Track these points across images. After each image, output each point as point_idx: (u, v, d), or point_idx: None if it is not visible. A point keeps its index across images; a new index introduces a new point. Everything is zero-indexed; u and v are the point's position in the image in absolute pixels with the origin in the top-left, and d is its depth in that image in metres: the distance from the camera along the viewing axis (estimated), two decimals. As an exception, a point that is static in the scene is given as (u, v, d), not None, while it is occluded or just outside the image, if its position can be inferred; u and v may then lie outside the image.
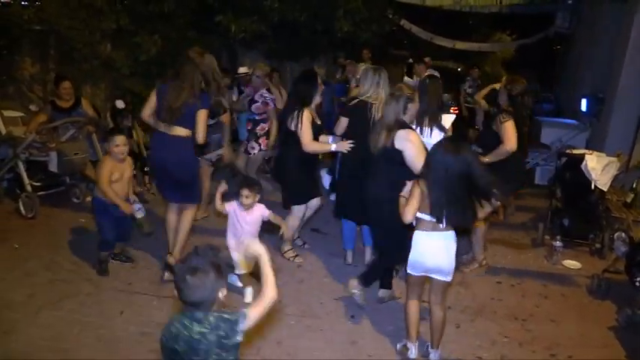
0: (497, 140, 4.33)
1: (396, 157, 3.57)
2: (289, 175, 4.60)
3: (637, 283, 3.59)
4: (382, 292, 4.10)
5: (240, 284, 4.03)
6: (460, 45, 12.13)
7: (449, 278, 3.18)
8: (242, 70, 8.47)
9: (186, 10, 8.45)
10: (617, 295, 4.34)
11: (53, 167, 5.35)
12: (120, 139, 4.14)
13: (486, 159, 4.23)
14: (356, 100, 4.30)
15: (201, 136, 3.98)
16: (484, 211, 3.09)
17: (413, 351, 3.35)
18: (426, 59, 9.61)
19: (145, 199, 5.92)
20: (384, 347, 3.52)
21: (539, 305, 4.21)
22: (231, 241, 4.06)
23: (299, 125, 4.30)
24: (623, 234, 5.03)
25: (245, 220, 3.99)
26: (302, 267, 4.55)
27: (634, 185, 5.30)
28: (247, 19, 8.06)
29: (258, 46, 9.47)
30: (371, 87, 4.19)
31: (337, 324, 3.74)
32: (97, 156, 5.72)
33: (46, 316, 3.59)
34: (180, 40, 8.27)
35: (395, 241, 3.59)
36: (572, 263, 5.00)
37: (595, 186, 5.00)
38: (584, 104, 7.98)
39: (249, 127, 5.82)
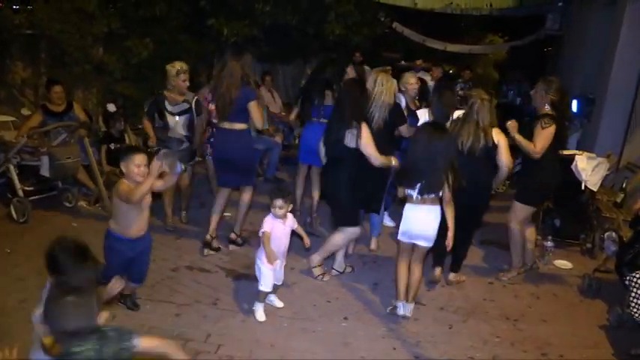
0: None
1: (493, 151, 4.09)
2: (344, 194, 4.24)
3: (627, 282, 3.62)
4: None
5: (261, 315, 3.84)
6: (452, 47, 12.17)
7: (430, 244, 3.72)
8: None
9: (178, 13, 8.45)
10: (607, 295, 4.38)
11: (45, 172, 5.33)
12: (140, 159, 3.35)
13: (516, 136, 4.20)
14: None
15: (259, 124, 4.68)
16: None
17: (402, 308, 3.83)
18: (418, 62, 9.68)
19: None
20: (378, 348, 3.53)
21: (531, 305, 4.24)
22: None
23: (359, 140, 4.04)
24: (614, 233, 5.08)
25: (283, 231, 3.79)
26: (294, 269, 4.55)
27: (624, 185, 5.34)
28: (239, 22, 8.07)
29: (250, 49, 9.47)
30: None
31: (330, 325, 3.76)
32: (88, 160, 5.70)
33: (39, 321, 3.57)
34: (172, 44, 8.28)
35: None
36: (563, 263, 5.04)
37: (585, 186, 5.04)
38: (574, 105, 8.03)
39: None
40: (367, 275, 4.58)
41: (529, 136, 4.26)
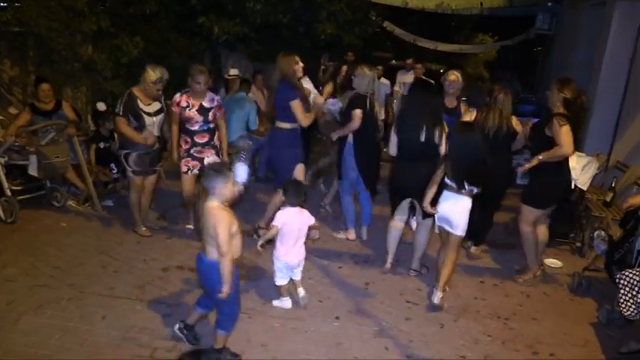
0: (548, 144, 4.18)
1: (513, 138, 4.72)
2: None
3: (616, 280, 3.63)
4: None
5: (287, 304, 3.94)
6: (442, 47, 12.23)
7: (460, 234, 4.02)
8: (233, 72, 8.45)
9: (169, 12, 8.41)
10: (597, 293, 4.42)
11: (33, 171, 5.27)
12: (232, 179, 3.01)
13: (540, 157, 4.18)
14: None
15: (302, 123, 4.74)
16: None
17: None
18: (409, 61, 9.69)
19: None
20: (370, 348, 3.52)
21: (522, 304, 4.25)
22: (282, 249, 3.82)
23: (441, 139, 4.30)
24: (603, 232, 5.11)
25: (299, 223, 3.82)
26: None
27: (613, 184, 5.37)
28: (230, 21, 8.04)
29: (241, 48, 9.45)
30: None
31: (323, 325, 3.74)
32: (78, 159, 5.65)
33: (27, 322, 3.53)
34: (162, 43, 8.23)
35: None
36: (553, 262, 5.06)
37: (575, 185, 5.06)
38: (564, 105, 8.09)
39: (206, 139, 4.97)
40: (359, 274, 4.58)
41: (544, 136, 4.23)
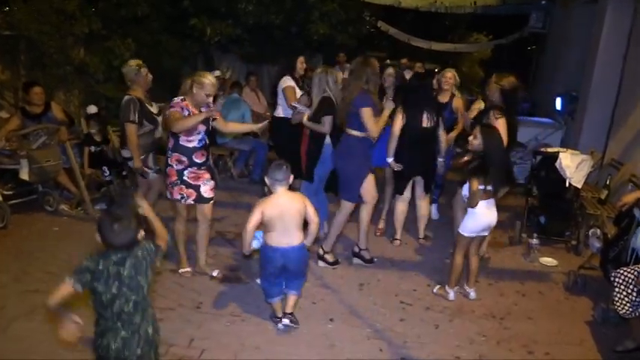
0: None
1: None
2: None
3: (611, 278, 3.61)
4: None
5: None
6: (436, 46, 12.22)
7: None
8: (215, 73, 8.42)
9: (160, 14, 8.37)
10: (592, 291, 4.39)
11: (24, 175, 5.22)
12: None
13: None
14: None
15: (372, 133, 4.39)
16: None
17: (452, 295, 4.16)
18: (404, 60, 9.68)
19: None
20: (364, 350, 3.49)
21: (517, 303, 4.23)
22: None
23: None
24: (598, 230, 5.10)
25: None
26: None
27: (607, 182, 5.36)
28: (222, 22, 8.01)
29: (234, 49, 9.43)
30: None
31: (316, 327, 3.71)
32: (70, 163, 5.60)
33: (18, 328, 3.50)
34: (154, 45, 8.20)
35: None
36: (548, 260, 5.04)
37: (570, 183, 5.06)
38: (558, 103, 8.09)
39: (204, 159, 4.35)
40: (352, 275, 4.55)
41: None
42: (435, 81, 5.72)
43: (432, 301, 4.16)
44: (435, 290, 4.27)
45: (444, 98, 5.58)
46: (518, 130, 4.73)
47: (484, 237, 4.20)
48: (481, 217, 3.92)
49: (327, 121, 4.66)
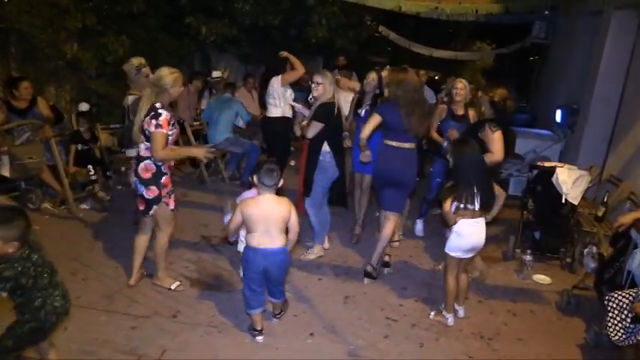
0: (482, 148, 4.18)
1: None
2: None
3: (605, 302, 3.46)
4: None
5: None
6: (437, 53, 12.08)
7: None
8: (215, 74, 8.29)
9: (157, 11, 8.24)
10: (586, 312, 4.23)
11: (5, 171, 5.09)
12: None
13: None
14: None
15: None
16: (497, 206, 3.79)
17: (450, 319, 3.92)
18: (404, 67, 9.51)
19: (105, 206, 5.70)
20: (343, 368, 3.34)
21: (507, 323, 4.07)
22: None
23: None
24: (594, 248, 4.94)
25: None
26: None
27: (605, 199, 5.21)
28: (218, 21, 7.87)
29: (231, 49, 9.29)
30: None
31: (295, 342, 3.55)
32: (54, 160, 5.46)
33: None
34: (149, 42, 8.06)
35: None
36: (542, 278, 4.88)
37: (566, 199, 4.91)
38: (558, 115, 7.94)
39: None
40: (338, 287, 4.39)
41: (478, 140, 4.21)
42: (444, 92, 5.62)
43: (419, 318, 4.00)
44: (431, 316, 3.99)
45: (459, 111, 5.24)
46: (516, 142, 4.65)
47: (472, 257, 3.96)
48: (466, 236, 3.67)
49: (312, 127, 4.51)
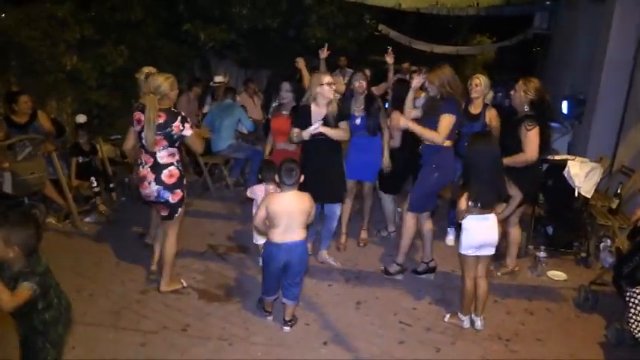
0: (517, 145, 4.13)
1: None
2: None
3: (627, 298, 3.35)
4: None
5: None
6: (438, 49, 11.96)
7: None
8: (218, 79, 8.22)
9: (155, 19, 8.17)
10: (604, 309, 4.12)
11: (7, 188, 5.02)
12: None
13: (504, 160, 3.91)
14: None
15: (438, 139, 4.08)
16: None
17: (466, 322, 3.80)
18: (405, 64, 9.43)
19: (109, 219, 5.63)
20: (359, 377, 3.25)
21: (524, 323, 3.97)
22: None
23: None
24: (609, 241, 4.84)
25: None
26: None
27: (619, 190, 5.09)
28: (216, 27, 7.80)
29: (230, 54, 9.21)
30: None
31: (309, 352, 3.46)
32: (56, 175, 5.39)
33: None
34: (149, 50, 8.00)
35: None
36: (557, 274, 4.77)
37: (579, 193, 4.80)
38: (565, 106, 7.82)
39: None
40: (349, 293, 4.30)
41: (515, 140, 4.15)
42: None
43: (433, 321, 3.90)
44: (446, 319, 3.88)
45: (475, 109, 4.97)
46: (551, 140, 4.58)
47: (489, 257, 3.75)
48: (474, 233, 3.57)
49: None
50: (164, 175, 3.87)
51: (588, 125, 6.87)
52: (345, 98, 4.80)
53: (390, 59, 5.65)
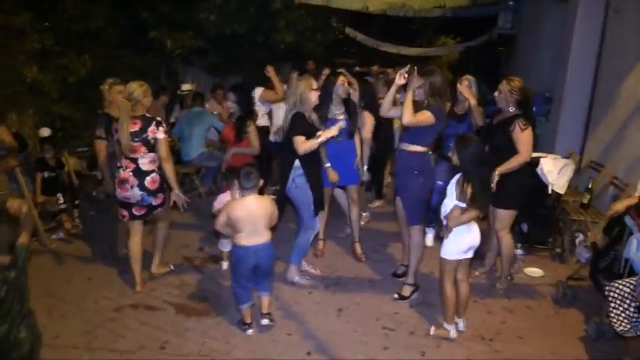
0: (509, 145, 3.99)
1: None
2: None
3: (606, 292, 3.38)
4: None
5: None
6: (405, 51, 12.03)
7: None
8: (185, 87, 8.07)
9: (117, 27, 7.98)
10: (582, 303, 4.16)
11: (-34, 208, 4.78)
12: None
13: (498, 169, 3.85)
14: None
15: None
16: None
17: (453, 332, 3.67)
18: (374, 67, 9.45)
19: (78, 234, 5.44)
20: (345, 387, 3.19)
21: (505, 321, 3.97)
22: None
23: None
24: (581, 235, 4.92)
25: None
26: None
27: (589, 185, 5.18)
28: (183, 34, 7.65)
29: (198, 61, 9.06)
30: None
31: (292, 364, 3.40)
32: (20, 191, 5.17)
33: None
34: (112, 59, 7.80)
35: None
36: (534, 271, 4.81)
37: (552, 189, 4.85)
38: (532, 104, 7.94)
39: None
40: (330, 300, 4.23)
41: (505, 140, 4.01)
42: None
43: (416, 325, 3.87)
44: (432, 332, 3.72)
45: (460, 110, 4.97)
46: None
47: (469, 259, 3.65)
48: (465, 237, 3.51)
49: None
50: (147, 181, 4.08)
51: (556, 122, 6.98)
52: (323, 102, 4.56)
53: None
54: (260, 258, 3.55)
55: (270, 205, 3.61)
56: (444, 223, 3.56)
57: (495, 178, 3.80)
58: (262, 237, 3.55)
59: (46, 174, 5.56)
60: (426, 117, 3.90)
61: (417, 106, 3.96)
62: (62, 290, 4.30)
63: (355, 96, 5.08)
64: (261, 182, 3.61)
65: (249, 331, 3.68)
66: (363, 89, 5.33)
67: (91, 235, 5.46)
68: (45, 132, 5.85)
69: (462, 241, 3.51)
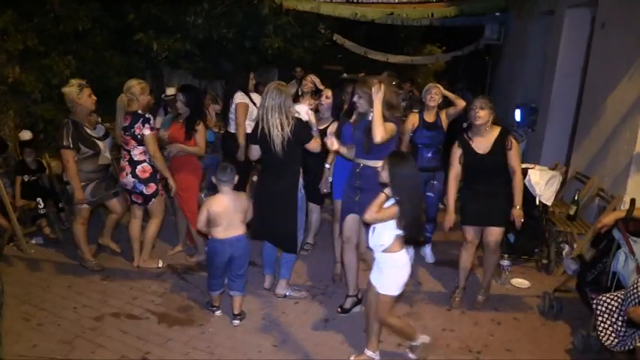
0: (504, 167, 3.97)
1: None
2: None
3: (593, 305, 3.37)
4: None
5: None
6: (393, 58, 12.07)
7: None
8: (170, 91, 7.96)
9: (104, 29, 7.85)
10: (569, 315, 4.16)
11: (-57, 211, 4.65)
12: None
13: (519, 206, 3.94)
14: None
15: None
16: None
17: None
18: (361, 74, 9.44)
19: (58, 239, 5.32)
20: (331, 400, 3.13)
21: (493, 333, 3.95)
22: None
23: None
24: (567, 246, 4.92)
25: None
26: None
27: (575, 197, 5.19)
28: (170, 37, 7.56)
29: (184, 65, 8.97)
30: None
31: (278, 376, 3.33)
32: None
33: None
34: (97, 61, 7.67)
35: None
36: (520, 282, 4.81)
37: (539, 200, 4.86)
38: (518, 114, 7.98)
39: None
40: (316, 310, 4.17)
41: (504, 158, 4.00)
42: (400, 98, 5.37)
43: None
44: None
45: (430, 117, 4.95)
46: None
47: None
48: (407, 268, 3.18)
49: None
50: (138, 170, 4.47)
51: (542, 133, 7.02)
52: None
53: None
54: (236, 249, 3.74)
55: (245, 202, 3.85)
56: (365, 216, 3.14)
57: (519, 212, 3.98)
58: (238, 230, 3.76)
59: (26, 177, 5.43)
60: (393, 129, 3.68)
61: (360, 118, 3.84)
62: (40, 297, 4.18)
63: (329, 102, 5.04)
64: (236, 178, 3.77)
65: (218, 312, 3.97)
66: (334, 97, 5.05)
67: (72, 240, 5.32)
68: (26, 135, 5.70)
69: (406, 272, 3.19)
